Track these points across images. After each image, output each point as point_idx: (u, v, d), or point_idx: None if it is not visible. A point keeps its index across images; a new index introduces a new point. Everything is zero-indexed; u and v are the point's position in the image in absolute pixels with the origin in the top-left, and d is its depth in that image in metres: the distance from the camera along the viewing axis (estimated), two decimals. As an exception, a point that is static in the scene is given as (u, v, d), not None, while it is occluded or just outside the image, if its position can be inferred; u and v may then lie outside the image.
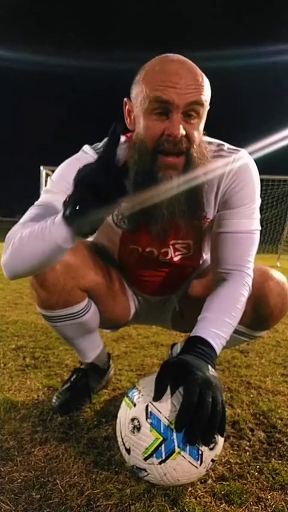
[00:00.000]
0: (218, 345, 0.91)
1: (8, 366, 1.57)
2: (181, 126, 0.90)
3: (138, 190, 0.95)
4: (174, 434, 0.77)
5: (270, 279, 1.10)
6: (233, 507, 0.81)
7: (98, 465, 0.94)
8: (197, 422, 0.75)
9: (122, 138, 1.06)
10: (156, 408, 0.79)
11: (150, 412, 0.79)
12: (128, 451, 0.82)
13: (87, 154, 1.06)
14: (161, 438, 0.77)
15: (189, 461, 0.78)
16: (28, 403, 1.25)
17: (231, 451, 1.03)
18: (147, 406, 0.80)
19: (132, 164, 0.95)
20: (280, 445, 1.06)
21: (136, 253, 1.16)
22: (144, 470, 0.80)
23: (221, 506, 0.82)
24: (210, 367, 0.85)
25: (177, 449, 0.77)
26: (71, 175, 0.96)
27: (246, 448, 1.05)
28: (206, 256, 1.24)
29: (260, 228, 1.07)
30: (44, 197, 1.04)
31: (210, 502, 0.82)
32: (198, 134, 0.95)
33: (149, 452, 0.78)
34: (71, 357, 1.69)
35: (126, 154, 1.00)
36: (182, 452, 0.77)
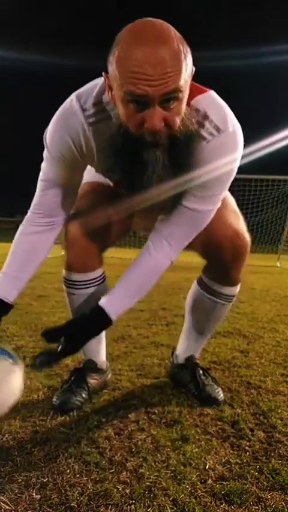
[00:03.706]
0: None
1: (8, 365, 1.57)
2: (160, 118, 0.84)
3: (126, 158, 0.93)
4: None
5: (223, 227, 1.18)
6: (233, 507, 0.81)
7: (98, 465, 0.94)
8: None
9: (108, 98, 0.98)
10: None
11: None
12: None
13: (75, 115, 0.99)
14: None
15: None
16: (28, 403, 1.25)
17: (231, 451, 1.03)
18: None
19: (121, 135, 0.91)
20: (280, 445, 1.06)
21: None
22: None
23: (221, 506, 0.82)
24: None
25: None
26: (62, 142, 1.03)
27: (246, 448, 1.05)
28: None
29: (215, 207, 1.08)
30: (44, 169, 1.12)
31: (210, 502, 0.82)
32: (180, 115, 0.89)
33: None
34: (71, 357, 1.69)
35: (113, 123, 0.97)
36: None
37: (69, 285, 1.28)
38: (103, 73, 0.91)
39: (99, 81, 0.99)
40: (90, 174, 1.25)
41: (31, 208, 1.15)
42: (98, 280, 1.28)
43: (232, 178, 1.07)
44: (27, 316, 2.51)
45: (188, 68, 0.85)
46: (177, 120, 0.88)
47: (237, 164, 1.05)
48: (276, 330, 2.41)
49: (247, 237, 1.24)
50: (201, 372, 1.39)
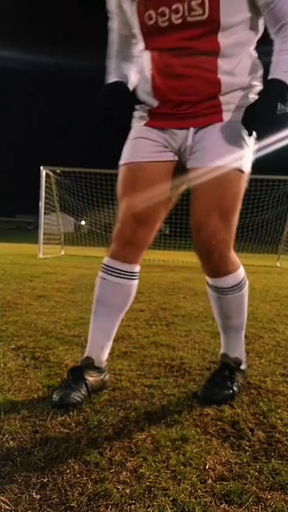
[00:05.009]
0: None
1: (8, 366, 1.57)
2: None
3: None
4: None
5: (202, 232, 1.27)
6: (233, 507, 0.81)
7: (98, 465, 0.94)
8: None
9: None
10: None
11: None
12: None
13: None
14: None
15: None
16: (28, 403, 1.25)
17: (231, 451, 1.03)
18: None
19: None
20: (280, 445, 1.06)
21: (153, 21, 1.21)
22: None
23: (221, 506, 0.82)
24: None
25: None
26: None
27: (246, 448, 1.05)
28: (232, 35, 1.21)
29: None
30: (110, 26, 1.42)
31: (210, 502, 0.82)
32: None
33: None
34: (71, 357, 1.70)
35: None
36: None
37: (106, 270, 1.36)
38: None
39: None
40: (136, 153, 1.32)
41: (110, 55, 1.46)
42: (133, 276, 1.36)
43: None
44: (27, 316, 2.51)
45: None
46: None
47: None
48: (276, 330, 2.42)
49: (222, 239, 1.27)
50: (226, 373, 1.40)
